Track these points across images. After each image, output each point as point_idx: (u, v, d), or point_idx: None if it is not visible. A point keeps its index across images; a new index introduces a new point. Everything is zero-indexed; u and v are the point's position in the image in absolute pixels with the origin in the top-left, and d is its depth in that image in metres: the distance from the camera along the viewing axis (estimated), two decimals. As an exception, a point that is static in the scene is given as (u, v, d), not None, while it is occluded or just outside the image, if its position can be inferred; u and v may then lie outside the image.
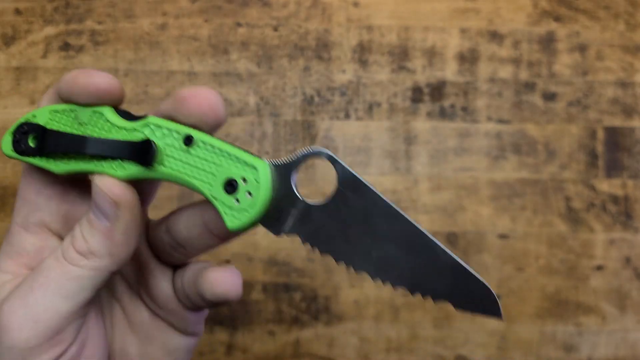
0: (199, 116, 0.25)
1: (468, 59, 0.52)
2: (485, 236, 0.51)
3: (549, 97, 0.52)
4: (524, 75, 0.52)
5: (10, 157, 0.26)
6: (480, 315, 0.24)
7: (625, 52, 0.52)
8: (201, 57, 0.51)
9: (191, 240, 0.28)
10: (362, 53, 0.52)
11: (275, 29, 0.52)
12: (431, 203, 0.51)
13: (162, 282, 0.29)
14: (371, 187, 0.24)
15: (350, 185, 0.24)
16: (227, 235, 0.27)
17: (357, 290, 0.50)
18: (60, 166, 0.25)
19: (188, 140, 0.24)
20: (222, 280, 0.26)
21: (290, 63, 0.52)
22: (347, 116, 0.51)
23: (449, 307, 0.24)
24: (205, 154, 0.24)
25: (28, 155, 0.25)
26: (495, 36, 0.52)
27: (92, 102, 0.25)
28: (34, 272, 0.25)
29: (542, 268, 0.51)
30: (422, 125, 0.51)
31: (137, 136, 0.25)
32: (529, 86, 0.52)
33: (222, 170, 0.24)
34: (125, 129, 0.25)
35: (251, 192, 0.24)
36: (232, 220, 0.24)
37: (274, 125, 0.51)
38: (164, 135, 0.25)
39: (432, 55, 0.52)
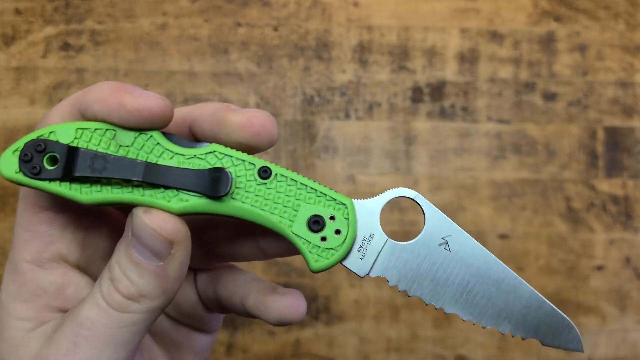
0: (255, 143, 0.23)
1: (468, 59, 0.52)
2: (485, 236, 0.51)
3: (549, 97, 0.52)
4: (524, 75, 0.52)
5: (12, 181, 0.21)
6: (564, 349, 0.25)
7: (625, 52, 0.52)
8: (201, 57, 0.51)
9: (235, 255, 0.26)
10: (362, 53, 0.52)
11: (275, 29, 0.52)
12: (431, 203, 0.51)
13: (186, 290, 0.28)
14: (458, 227, 0.24)
15: (437, 226, 0.24)
16: (281, 256, 0.26)
17: (357, 290, 0.50)
18: (91, 195, 0.21)
19: (265, 173, 0.22)
20: (290, 309, 0.25)
21: (290, 63, 0.52)
22: (347, 116, 0.51)
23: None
24: (286, 188, 0.23)
25: (44, 179, 0.21)
26: (496, 36, 0.52)
27: (139, 127, 0.22)
28: (69, 322, 0.22)
29: (542, 268, 0.51)
30: (422, 125, 0.51)
31: (198, 164, 0.22)
32: (529, 86, 0.52)
33: (306, 207, 0.23)
34: (183, 155, 0.22)
35: (340, 229, 0.23)
36: (317, 260, 0.23)
37: (274, 125, 0.51)
38: (233, 165, 0.22)
39: (432, 55, 0.52)
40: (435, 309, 0.24)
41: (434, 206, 0.24)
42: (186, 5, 0.52)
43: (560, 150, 0.52)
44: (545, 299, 0.24)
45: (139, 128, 0.22)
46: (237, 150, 0.23)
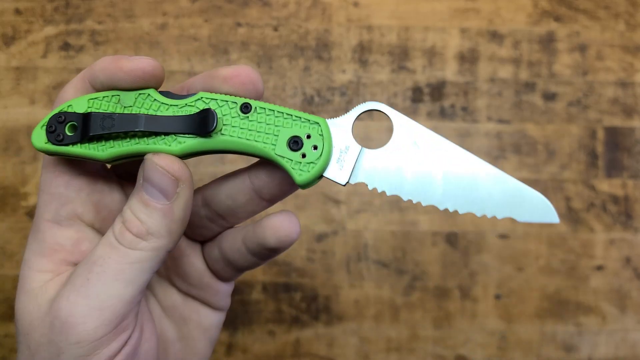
0: (242, 93, 0.26)
1: (468, 59, 0.52)
2: (485, 236, 0.51)
3: (549, 97, 0.52)
4: (524, 75, 0.52)
5: (43, 151, 0.25)
6: (538, 222, 0.26)
7: (625, 52, 0.52)
8: (201, 57, 0.51)
9: (236, 209, 0.28)
10: (362, 53, 0.52)
11: (275, 29, 0.52)
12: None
13: (193, 259, 0.30)
14: (427, 129, 0.27)
15: (405, 128, 0.27)
16: (277, 197, 0.28)
17: (357, 290, 0.50)
18: (106, 151, 0.25)
19: (246, 108, 0.26)
20: (284, 224, 0.27)
21: (290, 63, 0.52)
22: (347, 116, 0.51)
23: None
24: (265, 118, 0.26)
25: (68, 144, 0.25)
26: (495, 36, 0.52)
27: (137, 86, 0.25)
28: (83, 264, 0.24)
29: (542, 268, 0.51)
30: (422, 125, 0.51)
31: (190, 111, 0.25)
32: (529, 86, 0.52)
33: (285, 130, 0.26)
34: (176, 106, 0.26)
35: (316, 145, 0.26)
36: (300, 174, 0.26)
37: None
38: (219, 106, 0.26)
39: (432, 55, 0.52)
40: (413, 203, 0.26)
41: (402, 115, 0.27)
42: (186, 5, 0.52)
43: (560, 150, 0.52)
44: (515, 180, 0.26)
45: (137, 87, 0.25)
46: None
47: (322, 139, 0.26)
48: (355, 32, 0.52)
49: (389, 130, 0.51)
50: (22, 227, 0.50)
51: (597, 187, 0.51)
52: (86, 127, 0.25)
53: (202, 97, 0.26)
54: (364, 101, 0.52)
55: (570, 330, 0.51)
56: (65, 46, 0.51)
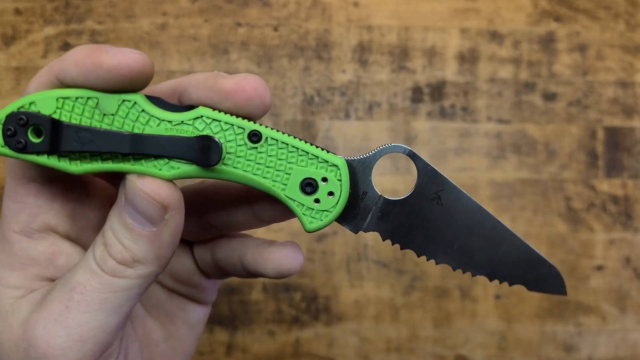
0: (247, 109, 0.22)
1: (468, 59, 0.52)
2: (485, 236, 0.51)
3: (549, 97, 0.52)
4: (524, 75, 0.52)
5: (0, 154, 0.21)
6: (549, 293, 0.26)
7: (625, 52, 0.52)
8: (201, 57, 0.51)
9: (232, 224, 0.26)
10: (362, 53, 0.52)
11: (275, 29, 0.52)
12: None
13: (183, 259, 0.28)
14: (450, 181, 0.24)
15: (430, 181, 0.24)
16: (277, 221, 0.26)
17: (357, 290, 0.50)
18: (81, 166, 0.21)
19: (255, 137, 0.22)
20: (288, 260, 0.25)
21: (290, 63, 0.52)
22: (347, 116, 0.51)
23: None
24: (277, 152, 0.22)
25: (32, 153, 0.20)
26: (495, 36, 0.52)
27: (119, 88, 0.21)
28: (60, 286, 0.22)
29: (542, 268, 0.51)
30: (422, 125, 0.51)
31: (186, 131, 0.21)
32: (529, 86, 0.52)
33: (298, 169, 0.22)
34: (170, 122, 0.21)
35: (333, 191, 0.23)
36: (311, 222, 0.23)
37: (274, 125, 0.51)
38: (222, 130, 0.22)
39: (432, 55, 0.52)
40: (427, 260, 0.25)
41: (427, 161, 0.24)
42: (186, 5, 0.52)
43: (560, 150, 0.52)
44: (534, 248, 0.25)
45: (120, 90, 0.21)
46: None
47: (340, 185, 0.23)
48: (355, 32, 0.52)
49: (391, 130, 0.51)
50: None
51: (597, 187, 0.51)
52: (56, 136, 0.20)
53: (202, 116, 0.21)
54: (364, 101, 0.52)
55: (570, 330, 0.51)
56: (66, 46, 0.51)
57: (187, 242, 0.28)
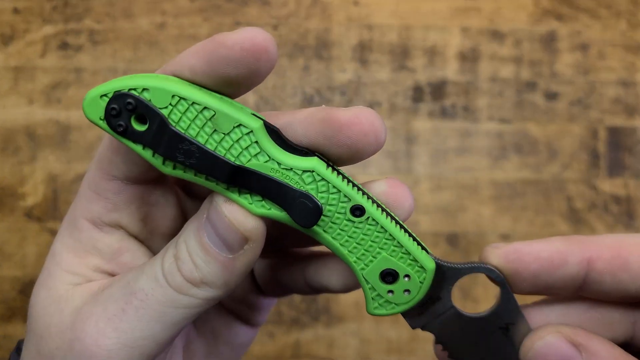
0: (360, 145, 0.20)
1: (469, 58, 0.52)
2: (486, 236, 0.50)
3: (551, 96, 0.52)
4: (525, 74, 0.52)
5: (95, 124, 0.20)
6: None
7: (627, 51, 0.52)
8: (200, 57, 0.51)
9: (292, 246, 0.26)
10: (363, 52, 0.52)
11: (275, 28, 0.52)
12: (432, 203, 0.50)
13: None
14: (525, 319, 0.23)
15: (507, 311, 0.23)
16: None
17: (357, 291, 0.50)
18: (171, 169, 0.20)
19: (358, 212, 0.21)
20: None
21: (290, 62, 0.51)
22: (347, 116, 0.51)
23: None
24: (373, 234, 0.21)
25: (130, 139, 0.20)
26: (497, 35, 0.52)
27: (246, 68, 0.19)
28: (121, 287, 0.21)
29: (544, 268, 0.50)
30: (422, 124, 0.51)
31: (292, 179, 0.20)
32: (530, 85, 0.52)
33: (385, 257, 0.22)
34: (280, 164, 0.20)
35: (410, 290, 0.22)
36: (376, 307, 0.23)
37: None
38: (328, 193, 0.21)
39: (432, 54, 0.52)
40: None
41: (514, 295, 0.23)
42: (185, 5, 0.52)
43: (562, 150, 0.51)
44: None
45: (246, 72, 0.19)
46: (338, 163, 0.21)
47: (419, 288, 0.22)
48: (356, 32, 0.52)
49: (391, 130, 0.51)
50: (20, 228, 0.50)
51: (599, 187, 0.51)
52: (160, 136, 0.19)
53: (314, 171, 0.20)
54: (364, 101, 0.52)
55: (572, 331, 0.50)
56: (64, 45, 0.51)
57: None
